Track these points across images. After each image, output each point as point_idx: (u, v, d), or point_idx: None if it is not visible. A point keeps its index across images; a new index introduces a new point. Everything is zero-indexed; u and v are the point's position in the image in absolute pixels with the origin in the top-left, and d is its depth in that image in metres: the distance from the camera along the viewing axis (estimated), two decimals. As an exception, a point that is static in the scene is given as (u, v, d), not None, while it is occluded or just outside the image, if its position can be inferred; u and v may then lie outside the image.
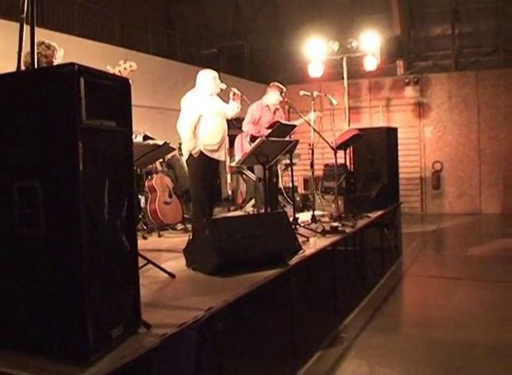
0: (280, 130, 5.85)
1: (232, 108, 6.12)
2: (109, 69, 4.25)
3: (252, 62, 16.19)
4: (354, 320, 5.60)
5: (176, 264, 4.54)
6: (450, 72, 14.77)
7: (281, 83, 7.40)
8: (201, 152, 5.78)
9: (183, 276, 4.11)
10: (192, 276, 4.14)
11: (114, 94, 2.63)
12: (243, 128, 7.46)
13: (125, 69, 4.36)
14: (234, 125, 6.86)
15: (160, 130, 9.12)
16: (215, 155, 5.90)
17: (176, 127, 5.80)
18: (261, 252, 4.16)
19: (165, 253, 5.24)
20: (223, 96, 6.20)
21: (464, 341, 4.84)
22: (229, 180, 13.83)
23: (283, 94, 6.99)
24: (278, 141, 5.27)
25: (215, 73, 6.02)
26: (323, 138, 6.41)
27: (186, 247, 4.39)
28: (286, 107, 6.17)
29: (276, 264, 4.24)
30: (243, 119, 7.09)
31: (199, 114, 5.79)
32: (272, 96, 7.26)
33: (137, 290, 2.78)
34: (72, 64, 2.29)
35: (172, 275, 4.03)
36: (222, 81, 6.04)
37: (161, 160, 7.27)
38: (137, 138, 6.45)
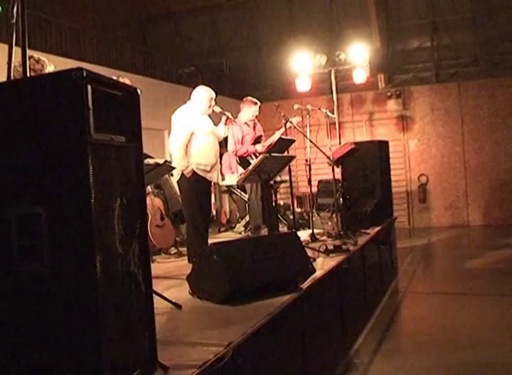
0: (280, 145, 5.55)
1: (222, 132, 5.88)
2: None
3: (232, 79, 15.95)
4: (365, 344, 5.28)
5: (179, 293, 4.18)
6: (432, 84, 14.69)
7: (260, 100, 7.22)
8: (194, 172, 5.43)
9: (189, 307, 3.76)
10: (200, 306, 3.79)
11: (123, 106, 2.31)
12: (229, 148, 7.22)
13: None
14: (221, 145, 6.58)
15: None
16: (207, 176, 5.54)
17: (160, 146, 5.47)
18: (273, 277, 3.85)
19: (162, 281, 4.87)
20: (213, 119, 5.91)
21: (486, 362, 4.55)
22: (213, 200, 13.53)
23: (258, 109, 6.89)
24: (279, 157, 4.97)
25: (212, 94, 5.68)
26: (323, 152, 6.14)
27: (190, 274, 4.04)
28: (283, 121, 5.87)
29: (289, 288, 3.93)
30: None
31: (191, 131, 5.44)
32: (247, 112, 7.12)
33: (153, 329, 2.44)
34: (80, 69, 1.97)
35: (178, 306, 3.68)
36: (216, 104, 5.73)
37: (151, 181, 6.94)
38: None
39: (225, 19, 16.42)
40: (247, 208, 7.70)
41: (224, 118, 5.73)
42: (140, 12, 16.35)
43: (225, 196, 12.36)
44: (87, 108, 1.97)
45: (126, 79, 4.19)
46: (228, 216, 12.95)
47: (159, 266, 5.86)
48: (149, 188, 6.56)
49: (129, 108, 2.35)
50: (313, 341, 4.38)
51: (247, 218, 8.19)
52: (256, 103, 7.15)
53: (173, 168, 4.54)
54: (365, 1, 14.58)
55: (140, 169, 2.39)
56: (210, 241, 7.68)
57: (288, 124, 6.08)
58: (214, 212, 13.67)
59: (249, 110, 7.13)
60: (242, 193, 8.26)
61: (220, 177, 5.78)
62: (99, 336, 1.99)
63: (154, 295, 3.78)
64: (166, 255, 6.40)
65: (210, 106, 5.58)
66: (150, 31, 16.95)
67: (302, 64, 10.61)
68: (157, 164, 3.62)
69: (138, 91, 2.39)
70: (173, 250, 6.45)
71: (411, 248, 11.15)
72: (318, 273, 4.50)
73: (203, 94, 5.60)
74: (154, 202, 6.39)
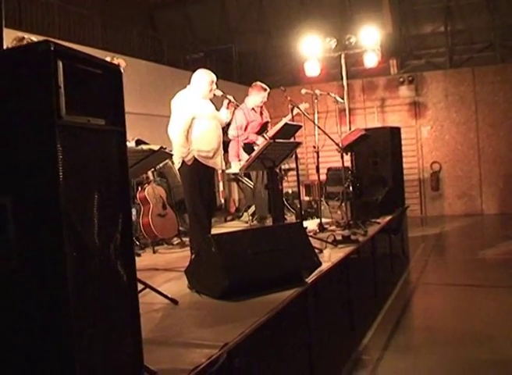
0: (286, 130, 5.30)
1: (224, 117, 5.59)
2: None
3: (241, 65, 15.67)
4: (374, 339, 5.03)
5: (177, 286, 3.98)
6: (445, 69, 14.33)
7: (269, 86, 6.96)
8: (195, 159, 5.16)
9: (186, 302, 3.55)
10: (197, 301, 3.57)
11: (103, 85, 2.08)
12: (230, 133, 6.98)
13: None
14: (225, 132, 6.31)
15: (148, 137, 8.53)
16: (209, 162, 5.26)
17: (167, 133, 5.22)
18: (276, 270, 3.62)
19: (162, 273, 4.67)
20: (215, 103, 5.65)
21: (504, 360, 4.30)
22: (221, 188, 13.30)
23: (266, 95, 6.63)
24: (284, 143, 4.72)
25: (213, 77, 5.40)
26: (331, 139, 5.89)
27: (188, 267, 3.83)
28: (290, 107, 5.62)
29: (293, 282, 3.70)
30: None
31: (192, 116, 5.16)
32: (256, 97, 6.87)
33: (138, 330, 2.22)
34: (47, 41, 1.73)
35: (174, 301, 3.47)
36: (217, 87, 5.47)
37: (152, 169, 6.72)
38: (130, 144, 5.88)
39: (234, 4, 16.11)
40: (253, 197, 7.48)
41: (226, 102, 5.47)
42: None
43: (234, 184, 12.14)
44: (56, 87, 1.74)
45: (120, 60, 3.95)
46: (237, 205, 12.74)
47: (161, 257, 5.67)
48: (151, 176, 6.35)
49: (111, 88, 2.12)
50: (319, 337, 4.17)
51: (254, 207, 7.98)
52: (265, 89, 6.90)
53: (170, 155, 4.31)
54: (377, -16, 14.22)
55: (123, 155, 2.16)
56: (214, 231, 7.54)
57: (295, 110, 5.84)
58: (222, 201, 13.47)
59: (257, 96, 6.88)
60: (248, 181, 8.03)
61: (223, 163, 5.50)
62: (72, 340, 1.78)
63: (150, 290, 3.61)
64: (169, 245, 6.20)
65: (211, 90, 5.32)
66: (158, 17, 16.67)
67: (311, 48, 10.31)
68: (151, 150, 3.40)
69: (121, 69, 2.15)
70: (176, 240, 6.24)
71: (423, 238, 10.89)
72: (325, 266, 4.28)
73: (203, 78, 5.35)
74: (156, 191, 6.18)
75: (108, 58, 3.99)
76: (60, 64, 1.77)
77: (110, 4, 13.80)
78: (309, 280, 3.84)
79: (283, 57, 14.97)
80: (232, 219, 8.94)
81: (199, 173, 5.14)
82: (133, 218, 6.33)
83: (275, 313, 3.24)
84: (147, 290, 3.58)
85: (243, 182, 8.42)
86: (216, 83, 5.41)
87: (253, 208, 8.39)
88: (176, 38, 15.37)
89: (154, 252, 5.84)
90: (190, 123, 5.11)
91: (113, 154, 2.10)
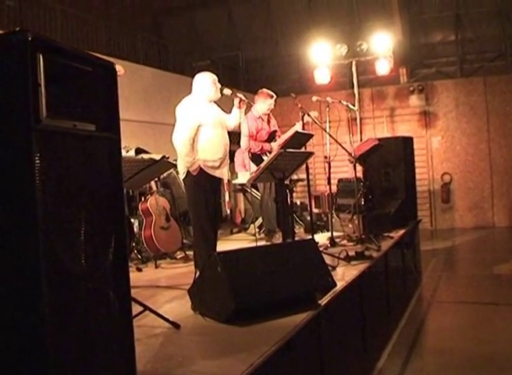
0: (297, 139, 5.00)
1: (236, 118, 5.22)
2: None
3: (247, 73, 15.43)
4: (389, 362, 4.71)
5: (180, 307, 3.68)
6: (456, 78, 14.04)
7: (277, 94, 6.68)
8: (201, 169, 4.85)
9: (189, 326, 3.24)
10: (201, 325, 3.26)
11: (94, 85, 1.80)
12: (242, 144, 6.67)
13: None
14: (232, 139, 5.95)
15: (152, 146, 8.27)
16: (216, 173, 4.96)
17: (172, 142, 4.93)
18: (287, 292, 3.32)
19: (164, 291, 4.37)
20: (224, 106, 5.35)
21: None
22: (227, 198, 13.01)
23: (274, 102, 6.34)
24: (295, 153, 4.42)
25: (214, 77, 5.11)
26: (344, 149, 5.59)
27: (191, 286, 3.52)
28: (301, 114, 5.34)
29: (305, 305, 3.40)
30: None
31: (197, 124, 4.85)
32: (262, 105, 6.56)
33: (133, 364, 1.92)
34: (24, 31, 1.45)
35: (176, 325, 3.17)
36: (225, 86, 5.17)
37: (155, 179, 6.44)
38: (129, 153, 5.59)
39: (242, 11, 15.89)
40: (261, 210, 7.18)
41: (237, 100, 5.14)
42: (155, 4, 15.87)
43: (240, 194, 11.85)
44: (34, 85, 1.46)
45: (119, 66, 3.69)
46: (243, 215, 12.44)
47: (163, 272, 5.38)
48: (154, 187, 6.07)
49: (103, 88, 1.83)
50: (332, 361, 3.85)
51: (261, 219, 7.69)
52: (272, 96, 6.60)
53: (174, 164, 4.02)
54: (387, -8, 13.99)
55: (117, 166, 1.87)
56: (220, 244, 7.24)
57: (306, 118, 5.56)
58: (228, 211, 13.17)
59: (264, 103, 6.58)
60: (256, 192, 7.75)
61: (229, 174, 5.18)
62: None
63: (149, 312, 3.31)
64: (172, 259, 5.89)
65: (216, 91, 5.04)
66: (164, 23, 16.46)
67: (321, 54, 10.03)
68: (153, 160, 3.12)
69: (116, 67, 1.86)
70: (180, 254, 5.93)
71: (435, 251, 10.54)
72: (339, 285, 3.97)
73: (205, 80, 5.07)
74: (158, 202, 5.88)
75: None
76: (40, 58, 1.49)
77: (116, 10, 13.61)
78: (323, 301, 3.53)
79: (291, 65, 14.74)
80: (239, 232, 8.65)
81: (205, 183, 4.83)
82: (135, 230, 6.05)
83: (287, 341, 2.94)
84: (147, 311, 3.29)
85: (250, 193, 8.15)
86: (221, 83, 5.13)
87: (260, 220, 8.10)
88: (182, 45, 15.15)
89: (157, 267, 5.54)
90: (196, 131, 4.82)
91: (105, 164, 1.82)
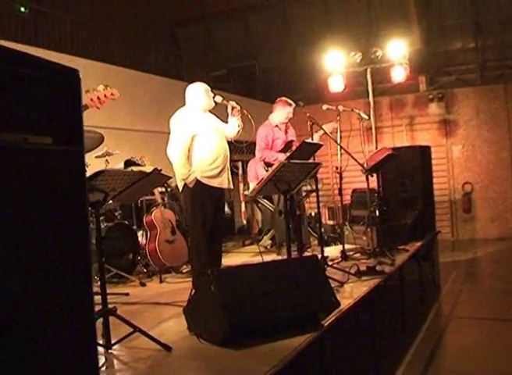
0: (304, 150, 4.80)
1: (233, 127, 5.02)
2: (88, 94, 3.57)
3: (264, 82, 15.28)
4: (402, 384, 4.49)
5: (176, 327, 3.50)
6: (477, 86, 13.73)
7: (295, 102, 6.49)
8: (197, 181, 4.70)
9: (182, 349, 3.05)
10: (195, 347, 3.07)
11: (52, 94, 1.63)
12: (257, 154, 6.50)
13: (105, 96, 3.63)
14: (238, 148, 5.71)
15: (163, 156, 8.16)
16: (215, 183, 4.78)
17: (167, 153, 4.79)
18: (287, 312, 3.12)
19: (163, 308, 4.20)
20: (220, 114, 5.17)
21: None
22: (243, 208, 12.84)
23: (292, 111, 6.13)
24: (301, 164, 4.23)
25: (206, 86, 4.97)
26: (354, 159, 5.39)
27: (186, 305, 3.35)
28: (309, 123, 5.15)
29: (307, 326, 3.19)
30: (246, 142, 6.08)
31: (192, 134, 4.72)
32: (280, 113, 6.37)
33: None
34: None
35: (167, 347, 2.98)
36: (216, 94, 5.00)
37: (162, 190, 6.29)
38: (118, 165, 5.44)
39: (258, 20, 15.80)
40: (273, 221, 6.99)
41: (229, 108, 4.96)
42: (171, 14, 15.83)
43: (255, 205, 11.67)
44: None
45: (114, 90, 3.64)
46: (260, 226, 12.28)
47: (166, 287, 5.20)
48: (159, 199, 5.91)
49: (64, 98, 1.67)
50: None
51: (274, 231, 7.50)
52: (290, 104, 6.39)
53: (168, 177, 3.87)
54: (405, -1, 13.78)
55: (80, 183, 1.70)
56: (229, 257, 7.06)
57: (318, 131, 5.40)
58: (244, 222, 12.99)
59: (282, 111, 6.38)
60: (268, 203, 7.55)
61: (230, 183, 4.98)
62: None
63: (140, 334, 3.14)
64: (177, 273, 5.72)
65: (209, 99, 4.89)
66: (180, 33, 16.42)
67: (335, 62, 9.84)
68: (144, 173, 2.96)
69: (79, 73, 1.70)
70: (185, 268, 5.76)
71: (455, 263, 10.23)
72: (346, 304, 3.76)
73: (197, 90, 4.93)
74: (164, 215, 5.72)
75: (99, 87, 3.64)
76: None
77: (131, 21, 13.57)
78: (326, 322, 3.32)
79: (308, 74, 14.54)
80: (251, 244, 8.46)
81: (202, 196, 4.68)
82: (141, 242, 5.91)
83: (284, 366, 2.74)
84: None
85: (262, 204, 7.96)
86: (213, 92, 4.97)
87: (272, 232, 7.92)
88: (197, 55, 15.09)
89: (161, 281, 5.37)
90: (191, 141, 4.69)
91: (65, 183, 1.64)
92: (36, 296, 1.51)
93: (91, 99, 3.63)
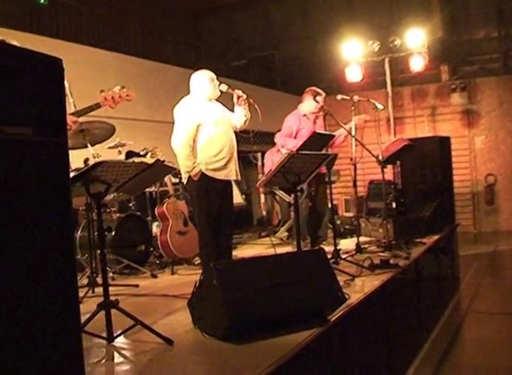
0: (316, 141, 4.71)
1: (239, 116, 4.84)
2: (103, 93, 3.65)
3: (284, 72, 15.16)
4: (415, 379, 4.40)
5: (182, 320, 3.45)
6: (500, 75, 13.45)
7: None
8: (202, 173, 4.59)
9: (184, 343, 3.00)
10: (198, 341, 3.02)
11: (32, 84, 1.58)
12: (277, 141, 6.42)
13: (120, 97, 3.68)
14: (246, 139, 5.54)
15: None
16: (221, 175, 4.67)
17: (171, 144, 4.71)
18: (291, 307, 3.05)
19: (172, 300, 4.16)
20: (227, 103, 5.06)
21: None
22: (262, 200, 12.77)
23: (320, 99, 5.95)
24: (311, 155, 4.15)
25: (211, 74, 4.83)
26: (368, 150, 5.28)
27: (190, 299, 3.30)
28: (321, 113, 5.06)
29: (313, 321, 3.13)
30: (252, 132, 5.97)
31: (197, 123, 4.60)
32: (309, 103, 6.20)
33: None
34: None
35: (169, 341, 2.94)
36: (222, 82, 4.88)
37: (175, 181, 6.24)
38: (120, 156, 5.40)
39: (278, 10, 15.69)
40: (291, 212, 6.90)
41: (235, 97, 4.78)
42: (191, 5, 15.77)
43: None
44: None
45: (131, 92, 3.65)
46: (279, 217, 12.21)
47: (178, 279, 5.17)
48: (171, 190, 5.87)
49: (45, 87, 1.61)
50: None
51: (291, 221, 7.44)
52: (320, 94, 6.24)
53: (173, 168, 3.82)
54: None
55: (63, 176, 1.65)
56: (243, 249, 7.02)
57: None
58: (264, 213, 12.92)
59: (311, 101, 6.22)
60: (285, 195, 7.47)
61: (238, 174, 4.85)
62: None
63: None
64: (190, 265, 5.68)
65: (215, 87, 4.77)
66: (201, 24, 16.36)
67: (352, 51, 9.70)
68: (146, 164, 2.91)
69: (62, 62, 1.65)
70: (197, 260, 5.71)
71: (476, 256, 10.06)
72: (355, 298, 3.69)
73: (202, 78, 4.80)
74: (176, 206, 5.68)
75: (116, 88, 3.64)
76: None
77: (153, 11, 13.53)
78: (333, 317, 3.25)
79: (328, 63, 14.37)
80: (267, 235, 8.39)
81: (207, 188, 4.59)
82: (154, 233, 5.88)
83: (287, 360, 2.68)
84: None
85: (278, 195, 7.89)
86: (218, 80, 4.87)
87: (289, 224, 7.85)
88: (218, 45, 15.01)
89: (173, 273, 5.34)
90: (196, 131, 4.59)
91: (45, 175, 1.59)
92: (12, 294, 1.47)
93: (105, 98, 3.65)
